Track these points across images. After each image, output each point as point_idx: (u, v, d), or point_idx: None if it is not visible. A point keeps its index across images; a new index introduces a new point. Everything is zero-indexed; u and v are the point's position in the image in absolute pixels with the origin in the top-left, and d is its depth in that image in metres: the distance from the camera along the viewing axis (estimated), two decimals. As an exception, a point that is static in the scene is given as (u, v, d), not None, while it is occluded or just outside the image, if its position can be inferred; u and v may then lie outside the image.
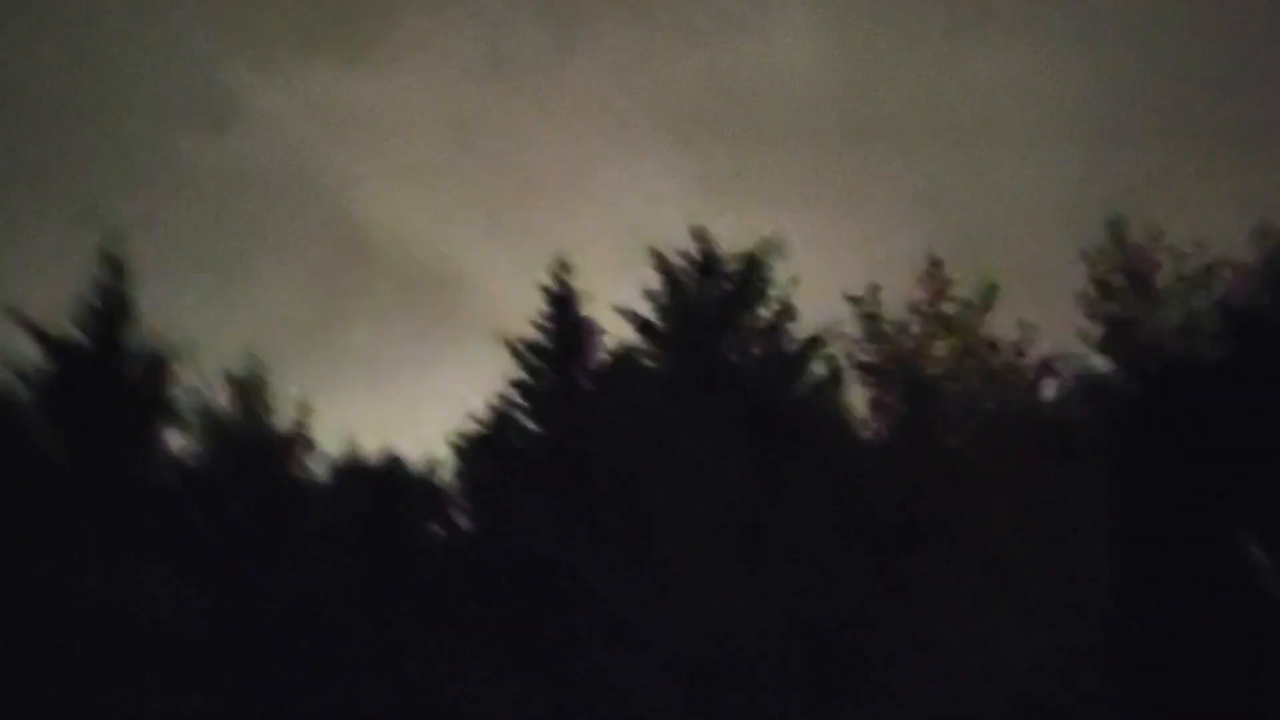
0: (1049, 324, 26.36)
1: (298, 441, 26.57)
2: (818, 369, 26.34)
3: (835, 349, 26.27)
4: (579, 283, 26.80)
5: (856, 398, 26.47)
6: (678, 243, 26.58)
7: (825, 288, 26.65)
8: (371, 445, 27.22)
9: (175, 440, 26.17)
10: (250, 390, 26.41)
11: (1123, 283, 26.02)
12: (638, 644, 24.75)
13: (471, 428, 26.70)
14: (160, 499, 25.54)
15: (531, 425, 26.76)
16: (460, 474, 26.93)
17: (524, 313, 26.92)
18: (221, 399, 26.41)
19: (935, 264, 26.03)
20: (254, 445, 26.27)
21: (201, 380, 26.16)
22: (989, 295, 25.90)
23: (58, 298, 25.84)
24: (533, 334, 26.66)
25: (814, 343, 26.22)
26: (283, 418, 26.54)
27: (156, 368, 25.92)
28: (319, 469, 26.74)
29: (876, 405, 26.41)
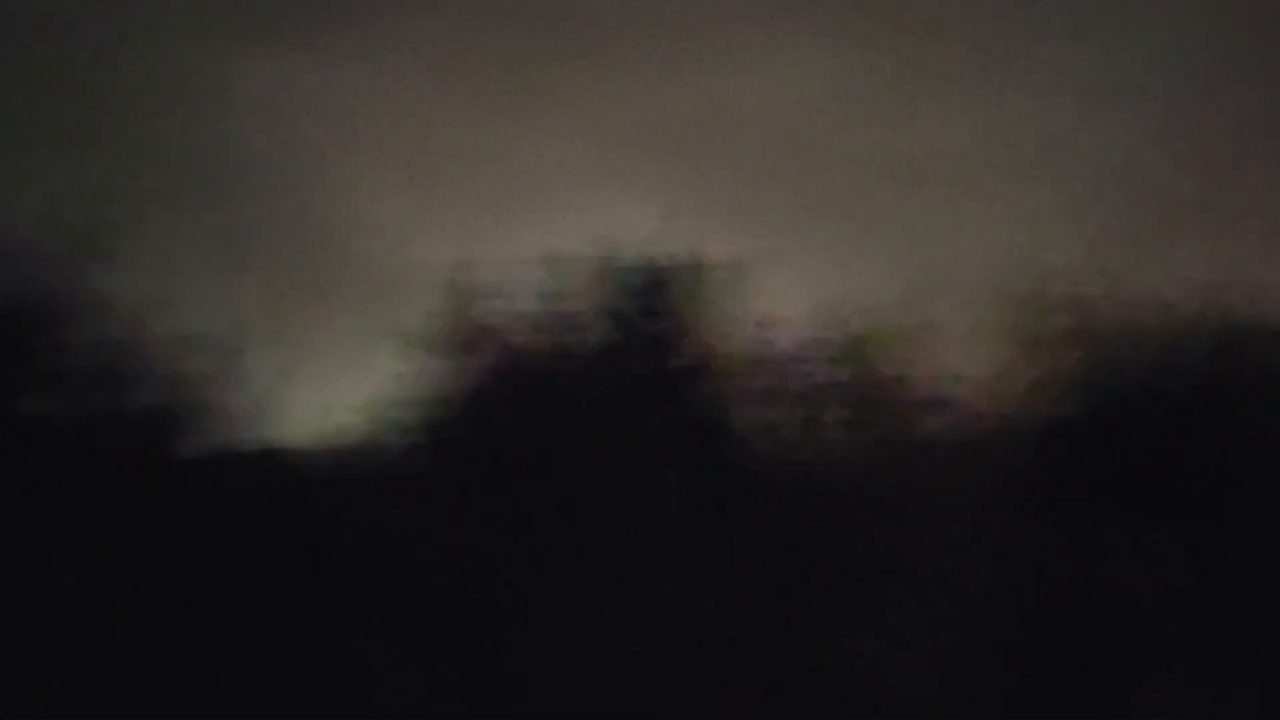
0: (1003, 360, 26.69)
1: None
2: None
3: (786, 369, 26.47)
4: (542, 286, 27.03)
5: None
6: (640, 256, 26.74)
7: (778, 313, 26.92)
8: (327, 425, 27.45)
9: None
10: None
11: (1076, 325, 26.42)
12: (580, 644, 24.92)
13: (412, 416, 26.87)
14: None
15: (471, 419, 26.91)
16: (405, 460, 27.04)
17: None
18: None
19: (894, 293, 26.31)
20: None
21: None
22: (928, 330, 26.23)
23: None
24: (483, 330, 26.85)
25: (758, 364, 26.40)
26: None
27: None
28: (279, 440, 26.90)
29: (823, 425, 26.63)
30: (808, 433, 26.20)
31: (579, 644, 24.98)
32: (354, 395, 31.62)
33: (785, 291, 28.54)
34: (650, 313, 26.27)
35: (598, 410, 25.78)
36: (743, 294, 26.57)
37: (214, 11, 42.57)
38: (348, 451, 27.64)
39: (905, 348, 25.75)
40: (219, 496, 25.41)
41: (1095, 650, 23.58)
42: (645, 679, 24.82)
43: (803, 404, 26.15)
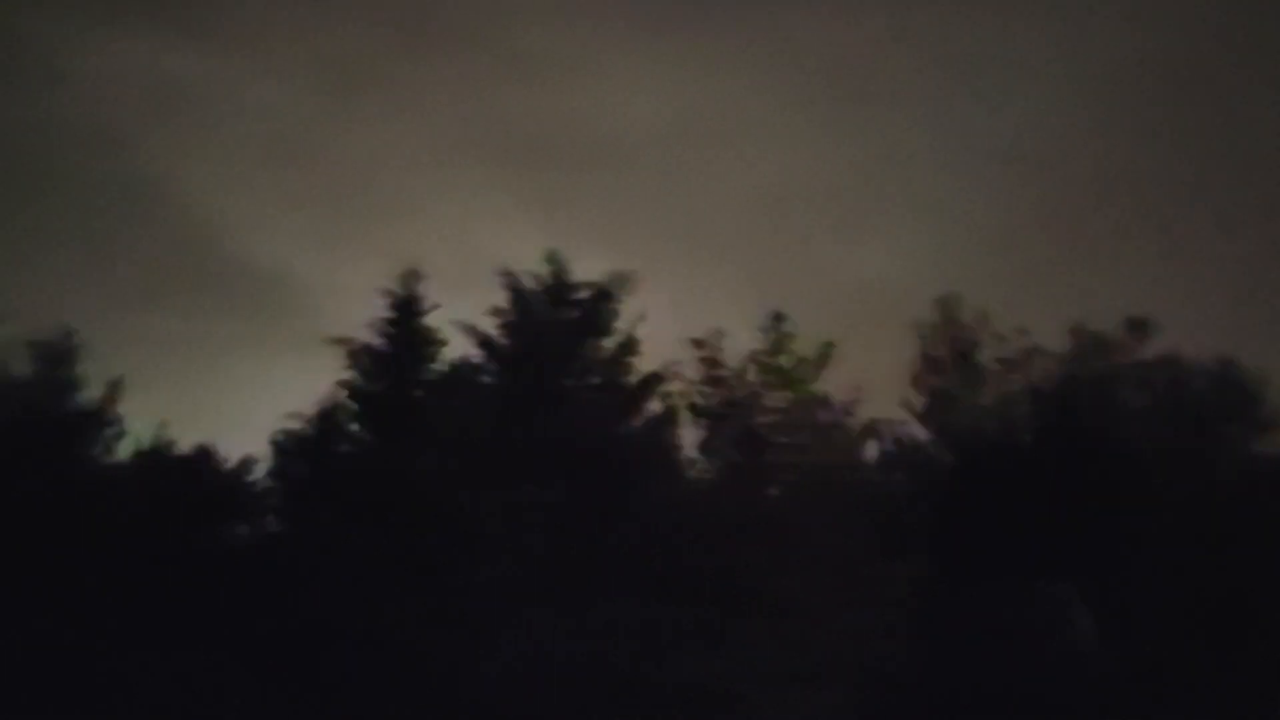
0: (877, 389, 27.49)
1: (102, 420, 24.95)
2: (653, 406, 26.47)
3: (673, 388, 26.53)
4: (425, 292, 26.33)
5: (688, 438, 26.76)
6: (518, 266, 26.39)
7: (670, 328, 26.95)
8: (185, 434, 25.93)
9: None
10: (56, 360, 24.68)
11: (947, 358, 27.31)
12: (432, 672, 24.20)
13: (294, 427, 25.70)
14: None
15: (358, 431, 25.95)
16: (277, 473, 25.82)
17: (349, 317, 26.26)
18: (22, 366, 24.66)
19: (778, 317, 26.71)
20: (52, 419, 24.52)
21: (2, 344, 24.40)
22: (824, 354, 26.70)
23: None
24: (371, 338, 25.96)
25: (652, 380, 26.37)
26: (89, 394, 24.99)
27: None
28: (124, 452, 25.20)
29: (706, 448, 26.77)
30: (703, 453, 26.34)
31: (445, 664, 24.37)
32: (219, 403, 30.05)
33: (661, 313, 28.72)
34: (547, 330, 25.89)
35: (489, 426, 25.23)
36: (629, 313, 26.58)
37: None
38: (212, 456, 26.31)
39: (796, 372, 26.14)
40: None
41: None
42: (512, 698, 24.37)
43: (699, 424, 26.26)
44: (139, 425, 25.82)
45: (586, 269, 26.51)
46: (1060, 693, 23.33)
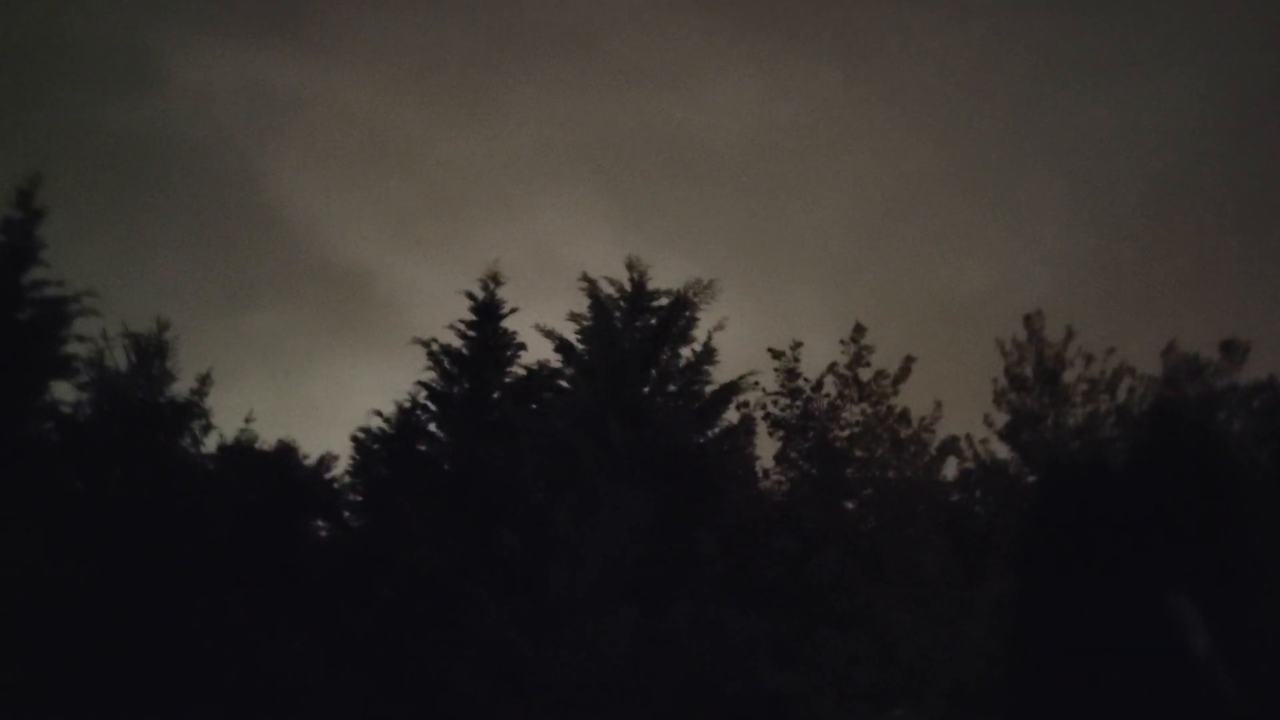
0: (960, 405, 27.06)
1: (193, 413, 25.65)
2: (730, 416, 26.45)
3: (750, 398, 26.48)
4: (505, 296, 26.67)
5: (765, 449, 26.66)
6: (601, 272, 26.56)
7: (747, 338, 26.88)
8: (267, 430, 26.55)
9: (64, 392, 25.13)
10: (151, 353, 25.46)
11: (1032, 376, 26.74)
12: (509, 671, 24.38)
13: (376, 425, 26.19)
14: (37, 451, 24.37)
15: (438, 431, 26.33)
16: (357, 471, 26.30)
17: (432, 319, 26.66)
18: (119, 357, 25.49)
19: (858, 329, 26.46)
20: (146, 409, 25.28)
21: (102, 336, 25.26)
22: (904, 367, 26.39)
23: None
24: (451, 339, 26.37)
25: (730, 389, 26.34)
26: (181, 387, 25.77)
27: (54, 314, 24.81)
28: (210, 446, 25.89)
29: (782, 459, 26.63)
30: (779, 464, 26.19)
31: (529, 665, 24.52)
32: (300, 397, 30.65)
33: (745, 323, 28.58)
34: (625, 336, 26.00)
35: (565, 431, 25.40)
36: (708, 322, 26.57)
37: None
38: (295, 453, 26.84)
39: (884, 381, 25.86)
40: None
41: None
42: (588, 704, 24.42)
43: (776, 435, 26.13)
44: (226, 420, 26.47)
45: (672, 278, 26.70)
46: (1178, 711, 22.55)
